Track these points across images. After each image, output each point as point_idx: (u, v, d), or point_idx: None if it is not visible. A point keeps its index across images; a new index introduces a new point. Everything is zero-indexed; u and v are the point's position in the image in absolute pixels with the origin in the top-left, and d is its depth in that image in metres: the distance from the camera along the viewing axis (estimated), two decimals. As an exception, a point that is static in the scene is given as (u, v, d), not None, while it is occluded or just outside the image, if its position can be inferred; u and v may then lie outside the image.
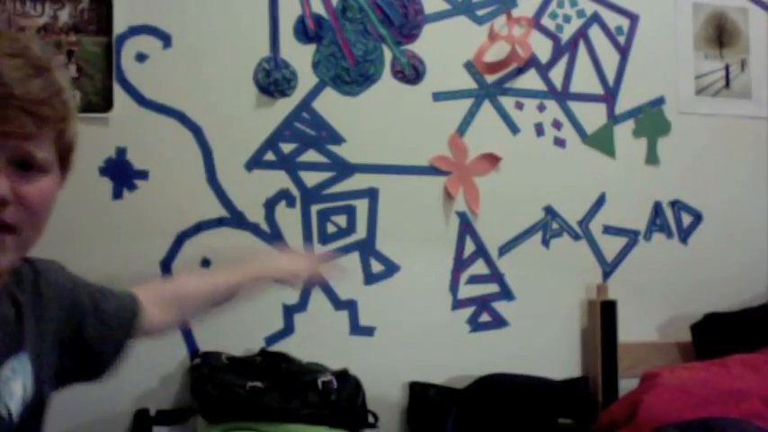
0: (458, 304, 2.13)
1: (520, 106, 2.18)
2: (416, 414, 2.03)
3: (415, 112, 2.11)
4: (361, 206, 2.07)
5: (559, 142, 2.21)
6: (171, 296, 1.29)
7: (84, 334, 1.10)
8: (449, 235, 2.13)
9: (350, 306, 2.06)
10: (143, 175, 1.94)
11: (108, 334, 1.13)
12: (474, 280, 2.14)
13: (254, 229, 2.01)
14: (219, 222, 1.98)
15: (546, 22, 2.21)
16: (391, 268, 2.08)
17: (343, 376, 1.90)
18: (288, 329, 2.02)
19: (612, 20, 2.26)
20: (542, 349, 2.16)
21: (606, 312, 2.15)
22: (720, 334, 2.15)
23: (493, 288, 2.15)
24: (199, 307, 1.35)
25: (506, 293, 2.16)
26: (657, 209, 2.27)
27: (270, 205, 2.02)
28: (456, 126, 2.14)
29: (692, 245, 2.29)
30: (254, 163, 2.01)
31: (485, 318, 2.14)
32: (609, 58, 2.26)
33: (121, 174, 1.93)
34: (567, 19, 2.23)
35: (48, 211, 0.93)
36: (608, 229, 2.23)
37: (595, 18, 2.25)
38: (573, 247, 2.21)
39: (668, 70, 2.30)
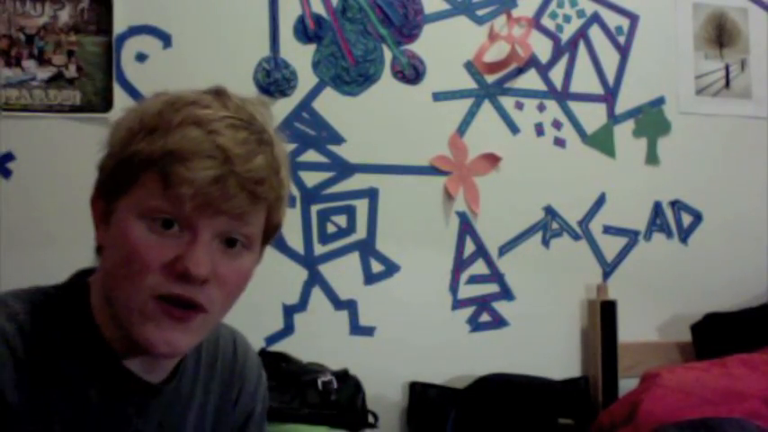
0: (458, 304, 2.13)
1: (520, 106, 2.18)
2: (416, 414, 2.03)
3: (415, 112, 2.11)
4: (361, 206, 2.07)
5: (559, 142, 2.21)
6: None
7: None
8: (449, 235, 2.13)
9: (350, 306, 2.06)
10: (143, 175, 1.94)
11: None
12: (474, 280, 2.14)
13: (254, 229, 2.00)
14: (219, 222, 1.98)
15: (546, 22, 2.21)
16: (391, 268, 2.08)
17: (343, 376, 1.90)
18: (288, 329, 2.02)
19: (612, 20, 2.26)
20: (542, 349, 2.16)
21: (606, 312, 2.14)
22: (720, 334, 2.15)
23: (493, 288, 2.15)
24: None
25: (506, 293, 2.16)
26: (657, 209, 2.27)
27: (270, 205, 2.02)
28: (456, 126, 2.14)
29: (691, 245, 2.29)
30: (254, 163, 2.01)
31: (485, 318, 2.14)
32: (609, 58, 2.26)
33: (121, 174, 1.93)
34: (567, 19, 2.23)
35: (242, 291, 0.89)
36: (608, 229, 2.23)
37: (595, 18, 2.25)
38: (573, 247, 2.20)
39: (668, 70, 2.30)
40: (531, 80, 2.19)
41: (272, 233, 0.93)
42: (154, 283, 0.82)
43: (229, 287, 0.86)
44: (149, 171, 0.82)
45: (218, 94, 0.87)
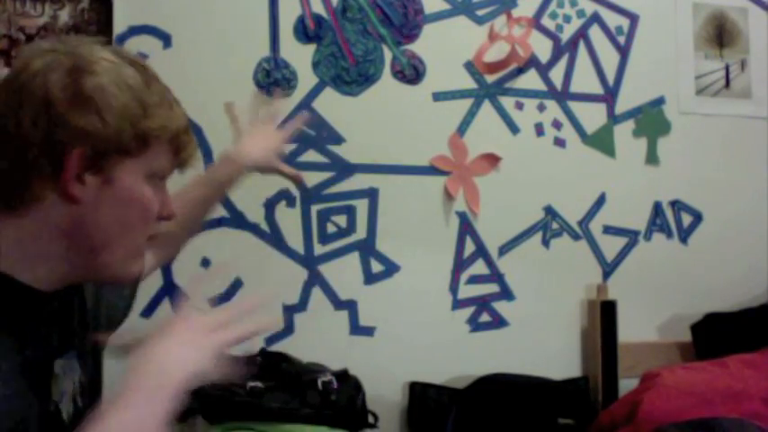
0: (458, 304, 2.13)
1: (520, 106, 2.18)
2: (416, 414, 2.03)
3: (415, 112, 2.11)
4: (361, 206, 2.07)
5: (559, 142, 2.21)
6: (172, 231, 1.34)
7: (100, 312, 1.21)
8: (449, 235, 2.13)
9: (350, 306, 2.06)
10: (143, 175, 1.94)
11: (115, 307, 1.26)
12: (474, 280, 2.14)
13: (254, 229, 2.01)
14: (219, 222, 1.98)
15: (546, 22, 2.21)
16: (391, 268, 2.08)
17: (343, 376, 1.90)
18: (288, 329, 2.02)
19: (612, 20, 2.26)
20: (542, 349, 2.16)
21: (606, 312, 2.15)
22: (720, 334, 2.15)
23: (493, 288, 2.15)
24: (197, 220, 1.51)
25: (506, 293, 2.16)
26: (657, 209, 2.27)
27: (270, 205, 2.02)
28: (456, 126, 2.14)
29: (691, 245, 2.29)
30: (254, 163, 2.01)
31: (485, 318, 2.14)
32: (609, 58, 2.26)
33: (121, 174, 1.93)
34: (567, 19, 2.23)
35: None
36: (608, 229, 2.23)
37: (595, 18, 2.25)
38: (573, 247, 2.20)
39: (668, 70, 2.30)
40: (531, 80, 2.19)
41: None
42: (152, 227, 1.02)
43: None
44: (163, 142, 0.99)
45: (144, 67, 1.00)
